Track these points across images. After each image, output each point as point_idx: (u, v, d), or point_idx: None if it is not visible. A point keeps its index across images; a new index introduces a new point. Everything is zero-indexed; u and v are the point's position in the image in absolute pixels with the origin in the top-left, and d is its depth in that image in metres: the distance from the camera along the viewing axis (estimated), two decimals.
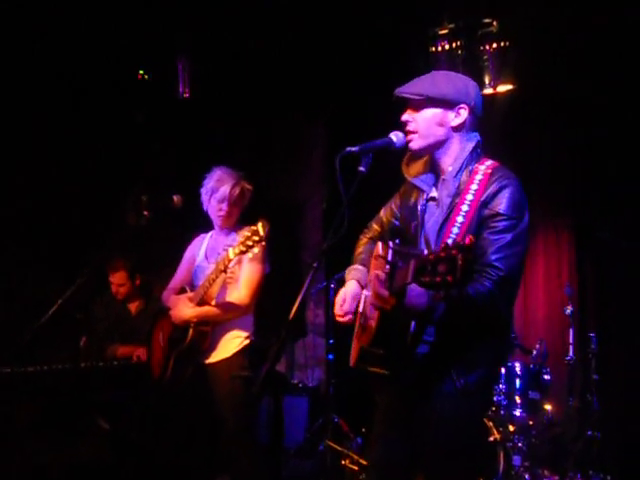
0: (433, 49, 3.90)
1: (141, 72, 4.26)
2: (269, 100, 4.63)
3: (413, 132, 1.94)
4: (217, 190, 2.86)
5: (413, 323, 1.80)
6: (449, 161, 1.95)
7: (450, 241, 1.67)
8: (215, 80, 4.36)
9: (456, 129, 1.93)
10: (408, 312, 1.75)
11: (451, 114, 1.92)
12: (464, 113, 1.92)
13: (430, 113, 1.91)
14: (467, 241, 1.45)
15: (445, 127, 1.92)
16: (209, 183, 2.90)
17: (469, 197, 1.84)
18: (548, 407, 3.47)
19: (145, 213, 2.77)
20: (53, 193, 4.19)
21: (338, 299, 2.02)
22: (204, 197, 2.93)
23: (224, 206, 2.87)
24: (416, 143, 1.95)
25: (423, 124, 1.92)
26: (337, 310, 2.01)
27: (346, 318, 2.00)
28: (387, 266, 1.75)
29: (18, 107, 4.02)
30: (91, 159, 4.34)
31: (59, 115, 4.20)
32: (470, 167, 1.91)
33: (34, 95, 4.04)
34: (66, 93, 4.16)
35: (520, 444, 3.39)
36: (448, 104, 1.91)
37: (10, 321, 3.67)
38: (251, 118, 4.83)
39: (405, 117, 1.95)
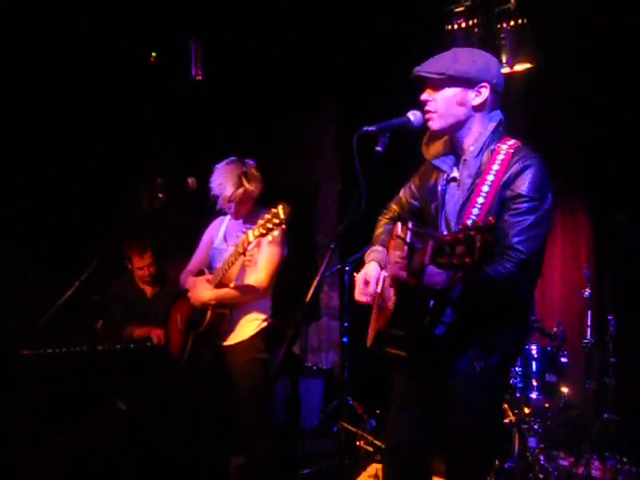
0: (449, 27, 3.81)
1: (154, 54, 4.23)
2: (281, 82, 4.59)
3: (433, 112, 1.90)
4: (221, 194, 2.87)
5: (431, 302, 1.79)
6: (470, 141, 1.91)
7: (469, 222, 1.65)
8: (226, 63, 4.33)
9: (477, 108, 1.89)
10: (426, 292, 1.74)
11: (472, 93, 1.87)
12: (485, 92, 1.87)
13: (450, 92, 1.87)
14: (487, 222, 1.43)
15: (466, 106, 1.88)
16: (213, 186, 2.89)
17: (490, 177, 1.81)
18: (565, 390, 3.46)
19: (160, 196, 2.76)
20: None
21: (359, 280, 2.00)
22: (214, 195, 2.92)
23: (231, 205, 2.89)
24: (436, 123, 1.91)
25: (443, 104, 1.88)
26: (361, 291, 1.98)
27: (370, 299, 1.98)
28: (405, 247, 1.73)
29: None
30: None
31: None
32: (492, 147, 1.87)
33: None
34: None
35: (536, 426, 3.39)
36: (469, 83, 1.86)
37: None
38: (263, 100, 4.79)
39: (424, 97, 1.91)
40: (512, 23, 3.78)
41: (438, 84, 1.88)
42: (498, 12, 3.80)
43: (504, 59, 3.80)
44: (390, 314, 1.79)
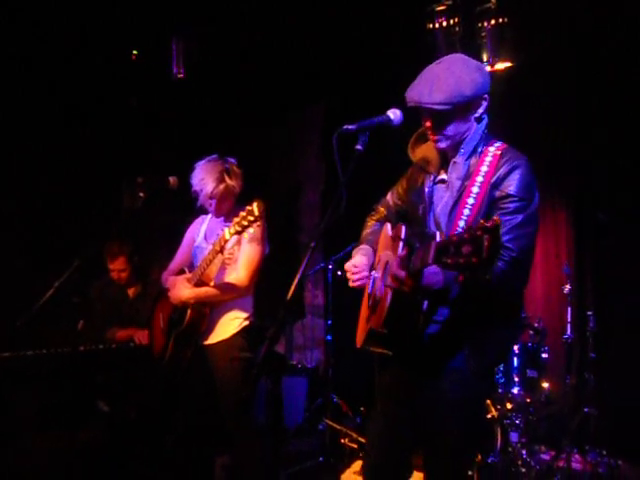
0: (430, 26, 3.84)
1: (135, 52, 4.21)
2: (266, 84, 4.58)
3: (441, 135, 1.91)
4: (202, 191, 2.85)
5: (425, 302, 1.80)
6: (461, 145, 1.93)
7: (462, 223, 1.72)
8: (211, 62, 4.31)
9: (477, 119, 1.93)
10: (424, 292, 1.75)
11: (474, 108, 1.90)
12: (484, 104, 1.92)
13: (456, 116, 1.88)
14: (492, 222, 1.43)
15: (470, 121, 1.92)
16: (194, 182, 2.87)
17: (479, 179, 1.84)
18: (546, 385, 3.49)
19: (141, 195, 2.73)
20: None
21: (349, 266, 2.01)
22: (195, 191, 2.90)
23: (213, 202, 2.88)
24: (444, 143, 1.92)
25: (451, 127, 1.89)
26: (350, 271, 1.99)
27: (360, 282, 1.99)
28: (402, 247, 1.73)
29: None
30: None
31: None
32: (479, 149, 1.91)
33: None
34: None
35: (517, 421, 3.42)
36: (473, 102, 1.89)
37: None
38: (248, 102, 4.78)
39: (430, 124, 1.90)
40: (493, 22, 3.81)
41: (445, 111, 1.86)
42: (479, 11, 3.83)
43: (485, 58, 3.84)
44: (384, 314, 1.79)
